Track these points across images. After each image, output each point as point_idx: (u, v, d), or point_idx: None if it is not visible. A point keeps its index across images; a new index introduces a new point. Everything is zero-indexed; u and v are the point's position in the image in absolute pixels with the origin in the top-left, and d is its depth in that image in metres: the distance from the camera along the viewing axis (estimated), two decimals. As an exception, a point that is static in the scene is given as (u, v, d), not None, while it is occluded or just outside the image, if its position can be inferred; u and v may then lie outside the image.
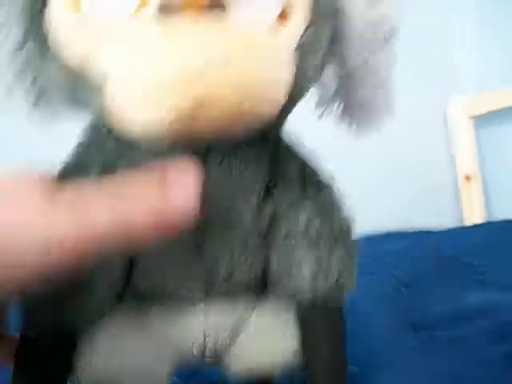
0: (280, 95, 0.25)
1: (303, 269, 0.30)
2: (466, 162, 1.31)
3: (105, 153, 0.28)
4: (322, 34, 0.29)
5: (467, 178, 1.30)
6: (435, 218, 1.21)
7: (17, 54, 0.29)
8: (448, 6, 1.38)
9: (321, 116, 0.36)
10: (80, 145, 0.30)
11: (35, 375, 0.28)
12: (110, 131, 0.27)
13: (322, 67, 0.31)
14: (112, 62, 0.24)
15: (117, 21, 0.24)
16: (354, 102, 0.34)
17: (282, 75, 0.25)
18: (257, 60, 0.23)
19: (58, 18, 0.26)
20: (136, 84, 0.22)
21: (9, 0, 0.28)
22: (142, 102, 0.22)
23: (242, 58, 0.22)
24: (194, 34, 0.22)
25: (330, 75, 0.33)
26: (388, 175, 1.22)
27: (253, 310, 0.33)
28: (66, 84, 0.26)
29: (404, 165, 1.24)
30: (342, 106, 0.35)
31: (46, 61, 0.27)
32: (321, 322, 0.31)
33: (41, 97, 0.31)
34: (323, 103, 0.36)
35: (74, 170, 0.28)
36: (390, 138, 1.17)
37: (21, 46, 0.29)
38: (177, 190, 0.21)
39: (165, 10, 0.23)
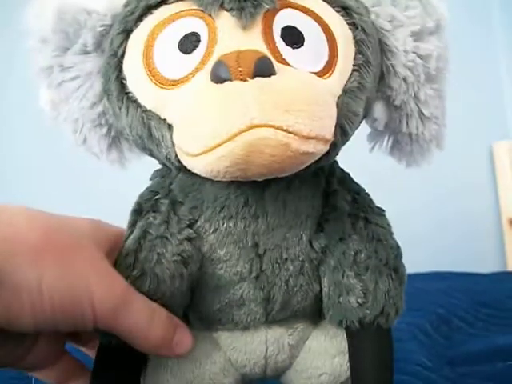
0: (329, 134, 0.27)
1: (350, 298, 0.32)
2: (510, 206, 1.30)
3: (172, 193, 0.33)
4: (367, 78, 0.31)
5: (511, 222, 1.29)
6: (479, 261, 1.20)
7: (96, 106, 0.34)
8: (499, 51, 1.40)
9: (372, 149, 0.37)
10: (152, 186, 0.34)
11: (111, 377, 0.31)
12: (177, 169, 0.31)
13: (370, 104, 0.33)
14: (175, 111, 0.28)
15: (179, 75, 0.29)
16: (403, 135, 0.35)
17: (330, 115, 0.27)
18: (304, 104, 0.25)
19: (135, 72, 0.30)
20: (194, 135, 0.26)
21: (95, 56, 0.33)
22: (199, 150, 0.26)
23: (279, 115, 0.24)
24: (242, 93, 0.25)
25: (380, 109, 0.34)
26: (432, 218, 1.23)
27: (310, 334, 0.36)
28: (139, 128, 0.30)
29: (448, 209, 1.25)
30: (391, 139, 0.37)
31: (123, 105, 0.31)
32: (368, 345, 0.33)
33: (113, 144, 0.36)
34: (374, 137, 0.37)
35: (148, 208, 0.32)
36: (434, 181, 1.20)
37: (101, 97, 0.33)
38: (179, 347, 0.31)
39: (216, 80, 0.26)
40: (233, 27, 0.28)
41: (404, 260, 0.34)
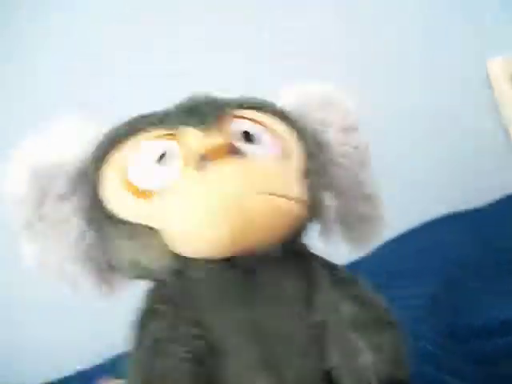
0: (301, 195, 0.32)
1: (362, 359, 0.32)
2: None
3: (170, 299, 0.33)
4: (316, 162, 0.36)
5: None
6: (485, 184, 1.14)
7: (78, 244, 0.35)
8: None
9: (326, 241, 0.40)
10: (148, 298, 0.34)
11: None
12: (172, 273, 0.33)
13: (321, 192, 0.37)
14: (163, 214, 0.30)
15: (165, 183, 0.31)
16: (352, 218, 0.40)
17: (296, 190, 0.32)
18: (276, 173, 0.31)
19: (114, 196, 0.33)
20: (188, 218, 0.29)
21: (71, 200, 0.35)
22: (197, 229, 0.29)
23: (263, 183, 0.30)
24: (223, 171, 0.29)
25: (328, 197, 0.39)
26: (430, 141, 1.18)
27: None
28: (129, 242, 0.32)
29: (447, 131, 1.19)
30: (342, 224, 0.40)
31: (108, 226, 0.33)
32: None
33: (102, 278, 0.37)
34: (326, 229, 0.40)
35: (150, 318, 0.33)
36: (432, 104, 1.16)
37: (82, 236, 0.35)
38: None
39: (200, 166, 0.30)
40: (198, 137, 0.32)
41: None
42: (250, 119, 0.35)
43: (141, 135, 0.35)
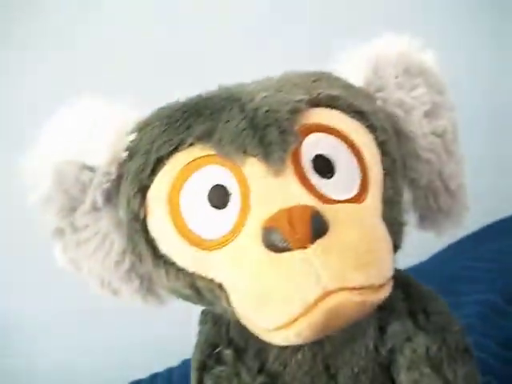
0: (392, 270, 0.27)
1: None
2: None
3: (233, 342, 0.33)
4: (398, 177, 0.31)
5: None
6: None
7: (121, 263, 0.32)
8: None
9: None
10: (208, 337, 0.34)
11: None
12: (234, 321, 0.30)
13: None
14: (227, 276, 0.28)
15: (217, 235, 0.28)
16: (432, 210, 0.35)
17: (388, 249, 0.28)
18: (368, 255, 0.26)
19: (166, 234, 0.29)
20: (264, 311, 0.26)
21: (108, 211, 0.31)
22: (273, 326, 0.26)
23: (348, 277, 0.25)
24: (307, 262, 0.25)
25: (405, 191, 0.34)
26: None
27: None
28: (185, 290, 0.30)
29: None
30: (420, 215, 0.36)
31: (161, 269, 0.30)
32: None
33: (147, 293, 0.35)
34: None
35: (212, 363, 0.33)
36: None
37: (124, 254, 0.32)
38: None
39: (273, 249, 0.25)
40: (263, 175, 0.28)
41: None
42: (322, 129, 0.30)
43: (186, 152, 0.29)
